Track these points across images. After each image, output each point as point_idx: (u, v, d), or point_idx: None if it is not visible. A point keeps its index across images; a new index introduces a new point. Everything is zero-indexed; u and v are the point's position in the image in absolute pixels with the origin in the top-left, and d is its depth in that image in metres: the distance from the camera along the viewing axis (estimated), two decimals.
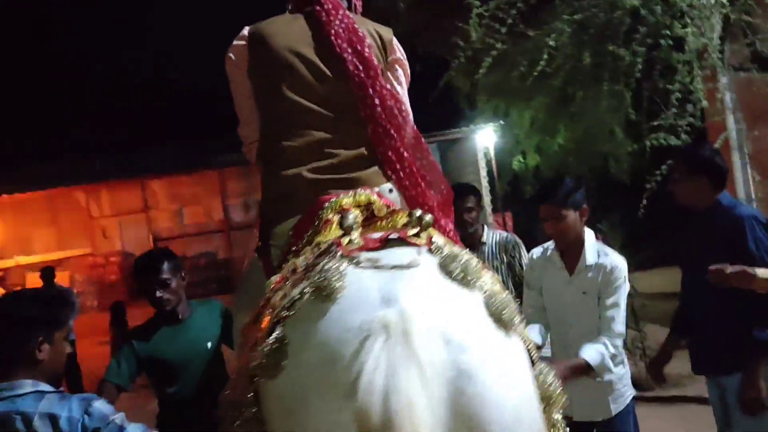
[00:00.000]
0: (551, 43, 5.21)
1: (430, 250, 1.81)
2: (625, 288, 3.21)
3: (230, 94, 2.42)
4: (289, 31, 2.27)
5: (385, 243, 1.81)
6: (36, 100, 16.81)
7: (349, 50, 2.20)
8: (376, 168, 2.21)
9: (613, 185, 9.92)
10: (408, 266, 1.70)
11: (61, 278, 10.44)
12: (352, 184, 2.14)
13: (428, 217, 1.89)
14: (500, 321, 1.70)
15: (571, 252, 3.30)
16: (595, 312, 3.15)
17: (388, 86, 2.25)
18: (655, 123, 4.93)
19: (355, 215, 1.92)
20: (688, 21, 4.53)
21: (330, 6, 2.27)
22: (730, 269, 2.85)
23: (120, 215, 16.22)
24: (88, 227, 16.12)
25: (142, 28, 16.73)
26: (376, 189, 2.16)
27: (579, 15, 5.26)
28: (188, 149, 15.18)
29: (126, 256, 15.76)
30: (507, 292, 1.82)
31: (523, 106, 8.98)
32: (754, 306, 3.02)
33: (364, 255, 1.74)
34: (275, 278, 1.84)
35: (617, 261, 3.22)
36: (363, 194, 2.11)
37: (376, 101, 2.17)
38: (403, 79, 2.42)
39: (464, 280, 1.73)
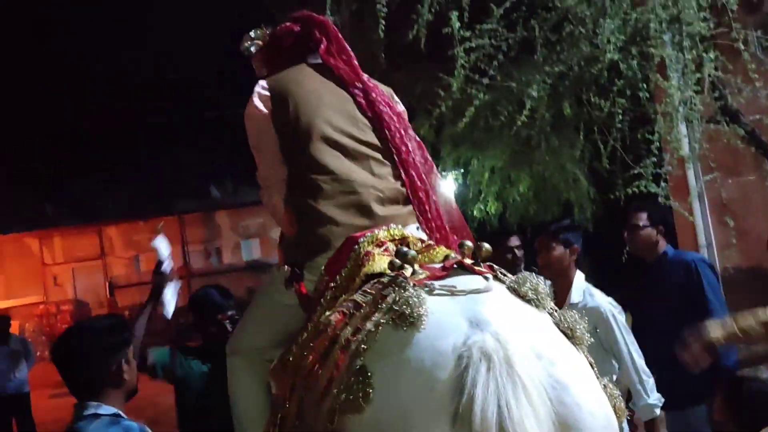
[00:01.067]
0: (534, 94, 5.38)
1: (495, 277, 1.91)
2: (620, 323, 3.34)
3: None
4: (313, 81, 2.39)
5: (450, 271, 1.88)
6: None
7: (381, 102, 2.35)
8: (405, 209, 2.31)
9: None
10: (484, 290, 1.80)
11: (11, 328, 9.99)
12: (384, 222, 2.22)
13: (486, 246, 1.97)
14: (573, 338, 1.84)
15: (559, 291, 3.42)
16: None
17: (416, 137, 2.41)
18: (635, 171, 5.11)
19: (413, 249, 1.98)
20: (669, 74, 4.78)
21: (354, 63, 2.43)
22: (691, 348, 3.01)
23: (74, 262, 15.78)
24: (40, 274, 15.63)
25: (96, 65, 16.57)
26: (405, 228, 2.24)
27: (559, 67, 5.46)
28: (146, 194, 15.00)
29: (79, 305, 15.29)
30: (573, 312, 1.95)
31: (486, 156, 9.18)
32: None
33: (436, 283, 1.81)
34: (334, 317, 1.85)
35: (600, 301, 3.39)
36: (396, 229, 2.19)
37: (409, 149, 2.31)
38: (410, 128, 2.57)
39: (535, 301, 1.85)
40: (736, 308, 4.94)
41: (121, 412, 2.36)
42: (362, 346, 1.71)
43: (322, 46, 2.45)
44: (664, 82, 4.77)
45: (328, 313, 1.91)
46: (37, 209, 14.79)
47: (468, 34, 5.56)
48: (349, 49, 2.49)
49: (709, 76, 4.86)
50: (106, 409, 2.32)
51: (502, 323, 1.67)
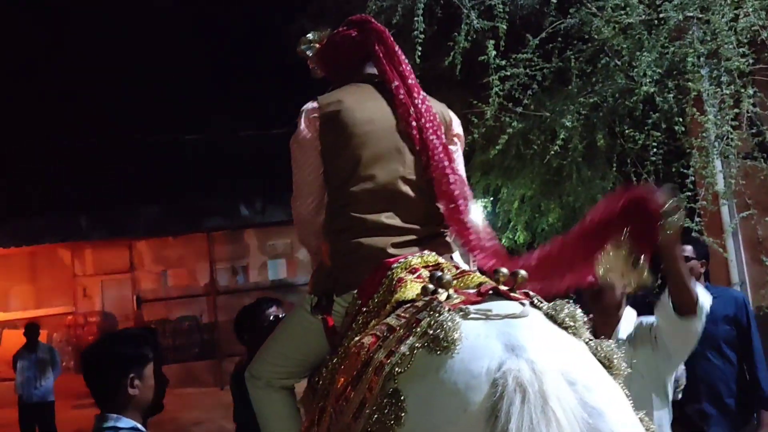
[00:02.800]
0: (567, 124, 5.37)
1: (532, 303, 1.89)
2: None
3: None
4: (365, 106, 2.35)
5: (486, 296, 1.87)
6: (20, 154, 16.75)
7: (430, 131, 2.30)
8: (441, 240, 2.32)
9: None
10: (520, 315, 1.78)
11: (40, 336, 10.15)
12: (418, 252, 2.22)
13: (522, 273, 1.95)
14: (610, 367, 1.82)
15: (606, 326, 3.32)
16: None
17: (459, 169, 2.34)
18: None
19: (448, 274, 1.97)
20: (706, 109, 4.73)
21: (412, 83, 2.36)
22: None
23: (103, 275, 16.00)
24: (70, 285, 15.85)
25: (134, 82, 16.91)
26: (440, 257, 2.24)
27: (594, 98, 5.44)
28: (177, 211, 15.19)
29: (106, 317, 15.47)
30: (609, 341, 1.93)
31: (516, 184, 9.16)
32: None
33: (472, 307, 1.80)
34: (367, 339, 1.86)
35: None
36: (430, 255, 2.20)
37: (452, 180, 2.26)
38: (459, 152, 2.52)
39: (572, 328, 1.84)
40: None
41: (139, 426, 2.37)
42: (396, 369, 1.71)
43: (381, 60, 2.40)
44: (701, 117, 4.72)
45: (358, 337, 1.92)
46: (71, 222, 15.07)
47: (503, 62, 5.58)
48: (405, 59, 2.43)
49: (747, 112, 4.80)
50: (125, 422, 2.34)
51: (537, 349, 1.66)
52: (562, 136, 5.61)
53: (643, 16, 5.27)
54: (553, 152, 5.59)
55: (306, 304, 2.34)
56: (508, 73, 5.59)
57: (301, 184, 2.39)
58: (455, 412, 1.61)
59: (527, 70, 5.61)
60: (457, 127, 2.53)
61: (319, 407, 1.96)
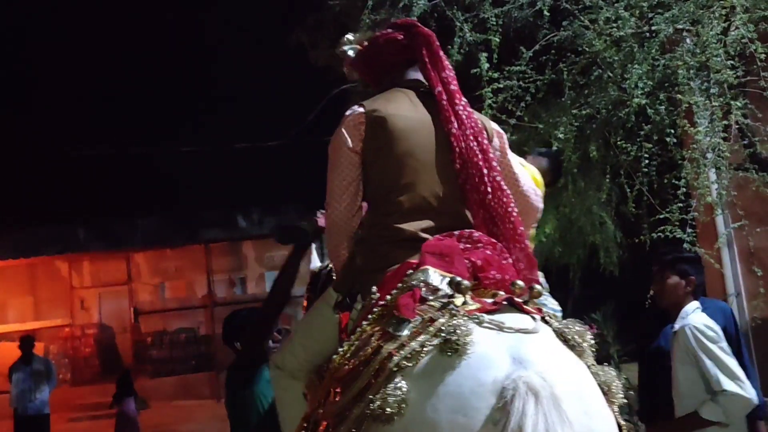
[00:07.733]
0: (561, 135, 5.41)
1: (543, 319, 1.93)
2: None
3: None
4: (410, 114, 2.29)
5: (501, 306, 1.91)
6: (18, 166, 16.78)
7: (471, 139, 2.24)
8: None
9: (606, 276, 10.09)
10: (531, 331, 1.83)
11: (36, 349, 10.13)
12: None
13: (538, 287, 1.99)
14: (607, 393, 1.87)
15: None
16: None
17: (501, 180, 2.27)
18: (661, 216, 5.07)
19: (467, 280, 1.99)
20: (696, 121, 4.77)
21: (454, 89, 2.31)
22: None
23: (101, 287, 15.98)
24: (68, 297, 15.82)
25: (133, 94, 16.96)
26: None
27: (587, 110, 5.48)
28: (175, 223, 15.20)
29: (103, 329, 15.43)
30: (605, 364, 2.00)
31: None
32: None
33: (486, 316, 1.84)
34: (378, 330, 1.90)
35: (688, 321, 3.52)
36: None
37: (489, 189, 2.21)
38: (506, 147, 2.50)
39: (579, 347, 1.90)
40: (765, 359, 4.95)
41: None
42: (404, 362, 1.77)
43: (427, 66, 2.36)
44: (692, 129, 4.76)
45: (369, 327, 1.95)
46: (69, 234, 15.08)
47: (497, 75, 5.62)
48: (448, 65, 2.39)
49: (737, 123, 4.84)
50: None
51: (546, 364, 1.71)
52: (555, 148, 5.64)
53: (635, 29, 5.33)
54: None
55: (330, 299, 2.35)
56: (502, 86, 5.62)
57: (337, 189, 2.32)
58: (456, 413, 1.66)
59: (520, 83, 5.64)
60: (498, 134, 2.48)
61: (325, 390, 2.01)
